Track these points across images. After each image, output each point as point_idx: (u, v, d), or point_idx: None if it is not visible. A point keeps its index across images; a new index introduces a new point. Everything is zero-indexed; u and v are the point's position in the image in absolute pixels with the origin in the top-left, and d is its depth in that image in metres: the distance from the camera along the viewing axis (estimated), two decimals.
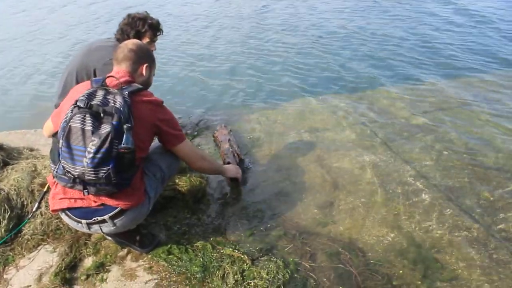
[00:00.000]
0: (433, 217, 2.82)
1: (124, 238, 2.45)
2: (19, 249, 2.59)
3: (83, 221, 2.16)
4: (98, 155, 1.83)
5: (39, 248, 2.61)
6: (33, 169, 3.03)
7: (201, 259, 2.42)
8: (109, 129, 1.84)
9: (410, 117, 4.14)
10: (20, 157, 3.25)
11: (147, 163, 2.35)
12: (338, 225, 2.79)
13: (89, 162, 1.83)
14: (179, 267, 2.38)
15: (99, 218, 2.15)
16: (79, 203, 2.12)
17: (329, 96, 4.76)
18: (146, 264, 2.43)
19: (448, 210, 2.87)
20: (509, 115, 4.06)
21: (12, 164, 3.09)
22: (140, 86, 2.19)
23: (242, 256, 2.42)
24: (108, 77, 2.16)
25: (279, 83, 5.23)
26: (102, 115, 1.89)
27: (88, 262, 2.48)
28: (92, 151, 1.82)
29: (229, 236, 2.67)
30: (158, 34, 3.10)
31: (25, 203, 2.80)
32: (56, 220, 2.71)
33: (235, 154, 3.34)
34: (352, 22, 7.43)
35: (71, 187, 2.01)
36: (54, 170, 2.01)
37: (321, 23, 7.42)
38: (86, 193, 1.98)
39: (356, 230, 2.74)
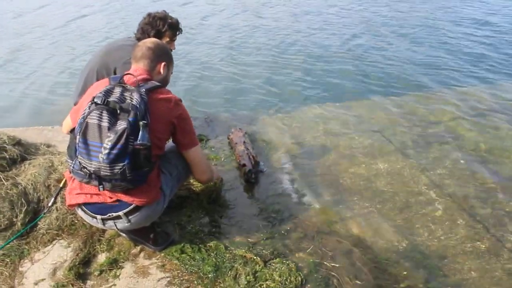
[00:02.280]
0: (446, 226, 2.81)
1: (138, 235, 2.47)
2: (35, 243, 2.61)
3: (98, 216, 2.18)
4: (114, 151, 1.85)
5: (54, 242, 2.63)
6: (50, 164, 3.07)
7: (213, 259, 2.42)
8: (125, 126, 1.86)
9: (426, 125, 4.13)
10: (38, 152, 3.30)
11: (164, 161, 2.36)
12: (351, 228, 2.80)
13: (104, 158, 1.85)
14: (191, 266, 2.38)
15: (114, 214, 2.16)
16: (95, 199, 2.14)
17: (344, 102, 4.78)
18: (159, 262, 2.44)
19: (461, 220, 2.86)
20: None
21: (30, 160, 3.14)
22: (158, 84, 2.21)
23: (255, 258, 2.42)
24: (126, 74, 2.18)
25: (294, 89, 5.27)
26: (118, 111, 1.91)
27: (102, 258, 2.50)
28: (108, 147, 1.84)
29: (242, 237, 2.68)
30: (177, 33, 3.14)
31: (41, 198, 2.83)
32: (71, 216, 2.73)
33: (251, 157, 3.35)
34: (372, 28, 7.42)
35: (87, 183, 2.03)
36: (71, 166, 2.04)
37: (340, 31, 7.42)
38: (101, 189, 2.00)
39: (369, 234, 2.75)
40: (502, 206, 2.99)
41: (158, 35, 3.02)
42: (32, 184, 2.86)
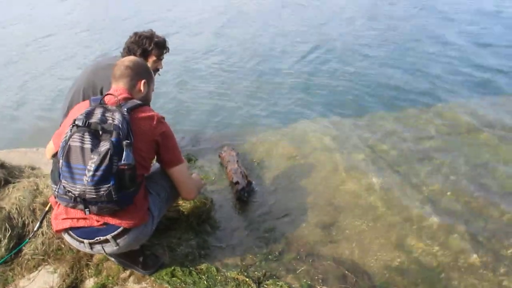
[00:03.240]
0: (440, 241, 2.85)
1: (127, 259, 2.46)
2: (19, 269, 2.60)
3: (86, 241, 2.18)
4: (98, 173, 1.86)
5: (39, 268, 2.62)
6: (35, 187, 3.06)
7: (205, 282, 2.42)
8: (108, 146, 1.88)
9: (417, 140, 4.17)
10: (22, 175, 3.28)
11: (152, 182, 2.38)
12: (344, 247, 2.83)
13: (89, 180, 1.87)
14: None
15: (102, 238, 2.16)
16: (81, 223, 2.14)
17: (335, 118, 4.82)
18: (148, 286, 2.44)
19: (456, 234, 2.90)
20: None
21: (14, 183, 3.12)
22: (139, 102, 2.23)
23: (247, 280, 2.43)
24: (107, 95, 2.21)
25: (282, 105, 5.28)
26: (101, 132, 1.94)
27: (90, 283, 2.49)
28: (92, 169, 1.86)
29: (234, 258, 2.69)
30: (164, 52, 3.18)
31: (26, 222, 2.82)
32: (58, 240, 2.73)
33: (243, 175, 3.39)
34: (360, 40, 7.49)
35: (73, 207, 2.04)
36: (55, 191, 2.05)
37: (327, 42, 7.46)
38: (87, 212, 2.01)
39: (363, 253, 2.78)
40: (495, 220, 3.04)
41: (145, 54, 3.07)
42: (16, 208, 2.85)
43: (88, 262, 2.63)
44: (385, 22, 8.36)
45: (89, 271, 2.57)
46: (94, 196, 1.91)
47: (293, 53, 7.07)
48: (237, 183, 3.28)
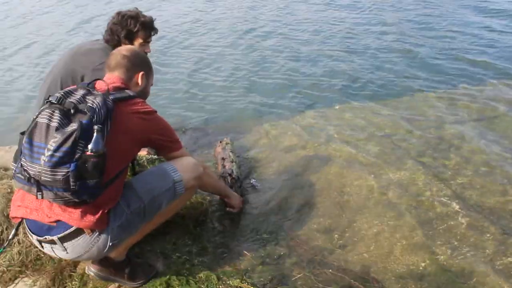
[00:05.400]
0: (472, 242, 2.79)
1: (107, 272, 2.39)
2: None
3: (35, 237, 2.13)
4: (58, 154, 1.82)
5: (16, 281, 2.57)
6: (9, 191, 2.99)
7: None
8: (75, 127, 1.84)
9: (443, 127, 4.12)
10: None
11: (127, 188, 2.27)
12: (360, 251, 2.78)
13: (46, 160, 1.82)
14: None
15: (48, 238, 2.09)
16: (34, 215, 2.08)
17: (347, 104, 4.77)
18: None
19: (489, 234, 2.84)
20: None
21: None
22: (132, 93, 2.21)
23: None
24: (99, 80, 2.17)
25: (288, 91, 5.23)
26: (73, 111, 1.90)
27: None
28: (52, 148, 1.81)
29: (236, 264, 2.65)
30: (152, 33, 3.12)
31: (0, 230, 2.78)
32: (36, 249, 2.66)
33: (227, 176, 3.25)
34: (372, 21, 7.50)
35: (28, 191, 1.97)
36: (14, 169, 2.00)
37: (331, 29, 7.43)
38: (39, 196, 1.92)
39: (382, 258, 2.72)
40: None
41: (130, 36, 3.01)
42: None
43: (72, 273, 2.56)
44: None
45: (73, 282, 2.51)
46: (50, 180, 1.84)
47: (303, 39, 7.03)
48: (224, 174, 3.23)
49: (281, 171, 3.65)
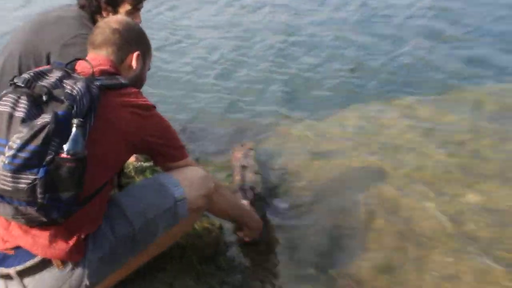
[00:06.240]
0: None
1: None
2: None
3: None
4: (22, 154, 1.55)
5: None
6: None
7: None
8: (47, 120, 1.58)
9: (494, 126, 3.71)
10: None
11: (112, 207, 2.01)
12: None
13: (6, 162, 1.56)
14: None
15: (4, 271, 1.82)
16: None
17: (406, 100, 4.34)
18: None
19: None
20: None
21: None
22: (124, 81, 1.95)
23: None
24: (81, 60, 1.94)
25: (332, 83, 4.83)
26: (45, 99, 1.65)
27: None
28: (15, 146, 1.56)
29: None
30: None
31: None
32: None
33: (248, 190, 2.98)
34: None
35: None
36: None
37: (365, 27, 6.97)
38: None
39: None
40: None
41: (113, 1, 2.64)
42: None
43: None
44: None
45: None
46: (9, 189, 1.58)
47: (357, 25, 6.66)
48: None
49: (316, 187, 3.29)
